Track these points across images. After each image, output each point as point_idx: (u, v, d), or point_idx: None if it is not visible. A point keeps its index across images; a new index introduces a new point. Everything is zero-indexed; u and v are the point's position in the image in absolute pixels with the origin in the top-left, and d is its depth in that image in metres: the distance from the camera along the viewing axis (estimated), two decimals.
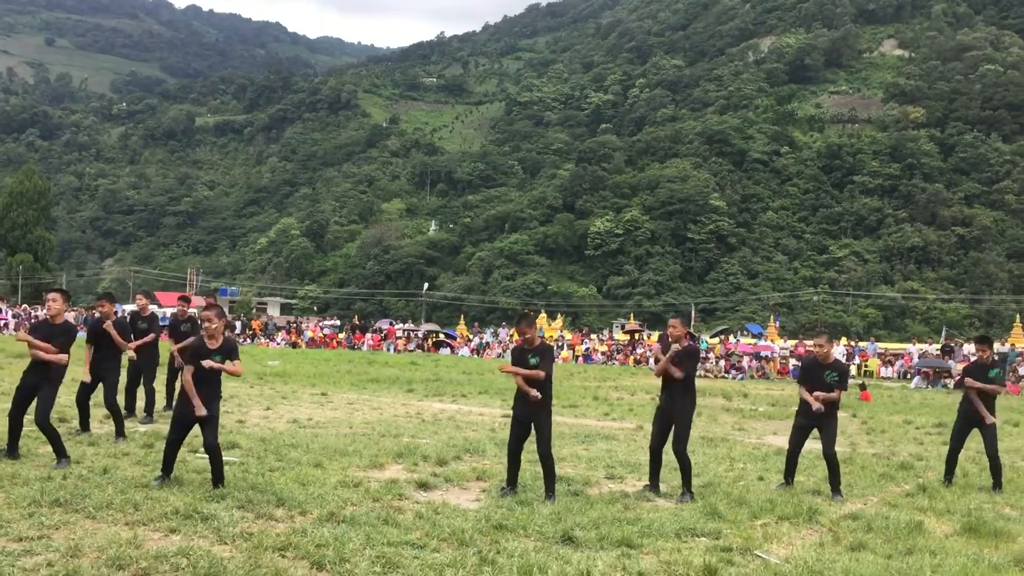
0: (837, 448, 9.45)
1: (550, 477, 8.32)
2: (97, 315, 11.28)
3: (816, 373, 9.49)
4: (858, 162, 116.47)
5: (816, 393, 9.32)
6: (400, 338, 49.14)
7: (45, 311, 9.25)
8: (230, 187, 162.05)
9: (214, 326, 8.00)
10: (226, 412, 13.69)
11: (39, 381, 8.85)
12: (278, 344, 45.56)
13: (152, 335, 12.46)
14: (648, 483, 9.07)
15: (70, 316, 39.84)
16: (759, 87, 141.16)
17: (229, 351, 8.08)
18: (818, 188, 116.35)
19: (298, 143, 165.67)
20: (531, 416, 8.37)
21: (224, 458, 9.38)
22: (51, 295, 9.23)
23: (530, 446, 8.50)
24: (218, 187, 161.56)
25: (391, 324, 56.51)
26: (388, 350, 44.83)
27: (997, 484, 9.99)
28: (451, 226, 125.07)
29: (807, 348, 9.99)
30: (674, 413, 8.85)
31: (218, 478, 7.91)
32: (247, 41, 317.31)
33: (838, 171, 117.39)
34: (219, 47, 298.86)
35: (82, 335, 10.89)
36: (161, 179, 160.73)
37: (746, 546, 6.72)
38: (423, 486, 8.55)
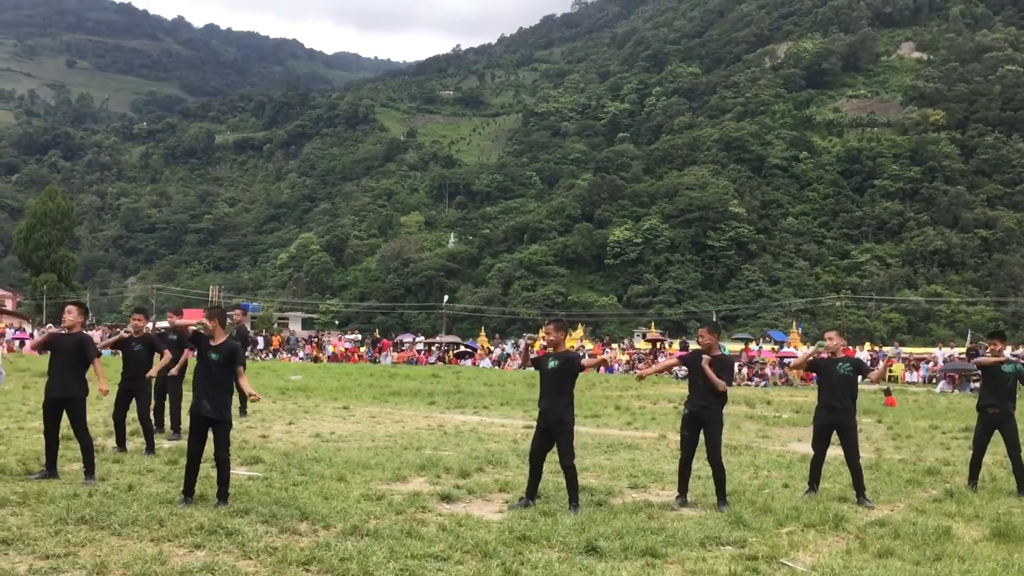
0: (863, 454, 9.36)
1: (574, 487, 8.29)
2: (125, 333, 11.55)
3: (830, 368, 9.52)
4: (878, 166, 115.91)
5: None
6: (402, 351, 49.13)
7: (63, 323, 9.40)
8: (250, 203, 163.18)
9: (210, 326, 8.04)
10: (249, 427, 13.76)
11: (70, 397, 8.91)
12: (300, 359, 45.76)
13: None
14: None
15: (96, 334, 40.14)
16: (776, 93, 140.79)
17: (229, 353, 8.03)
18: (838, 193, 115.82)
19: (317, 158, 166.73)
20: (557, 426, 8.33)
21: (248, 472, 9.44)
22: (68, 306, 9.33)
23: (551, 457, 8.47)
24: (238, 204, 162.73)
25: (384, 338, 56.73)
26: (384, 362, 44.81)
27: (1021, 488, 9.82)
28: (470, 238, 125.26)
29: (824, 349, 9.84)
30: (706, 421, 8.82)
31: (223, 493, 7.80)
32: (265, 58, 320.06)
33: (858, 175, 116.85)
34: (237, 65, 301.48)
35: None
36: (182, 197, 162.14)
37: (772, 554, 6.67)
38: (446, 498, 8.54)
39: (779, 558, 6.59)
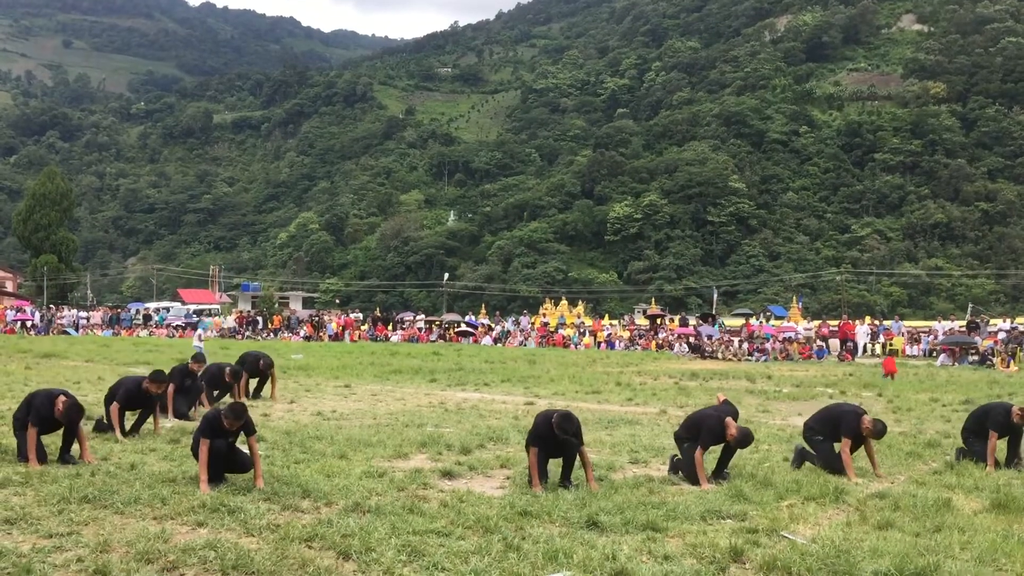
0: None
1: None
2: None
3: None
4: (879, 139, 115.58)
5: None
6: (356, 326, 48.87)
7: None
8: (249, 183, 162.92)
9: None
10: (251, 407, 13.76)
11: None
12: (301, 338, 45.79)
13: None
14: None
15: (96, 315, 39.79)
16: (776, 67, 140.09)
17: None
18: (839, 167, 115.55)
19: (315, 137, 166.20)
20: None
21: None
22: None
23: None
24: (237, 183, 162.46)
25: (347, 315, 56.59)
26: (345, 340, 44.68)
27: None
28: (470, 216, 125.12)
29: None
30: None
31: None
32: (262, 37, 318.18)
33: (858, 149, 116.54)
34: (234, 43, 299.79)
35: None
36: (181, 177, 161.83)
37: (772, 527, 6.70)
38: (447, 475, 8.58)
39: (779, 531, 6.62)
